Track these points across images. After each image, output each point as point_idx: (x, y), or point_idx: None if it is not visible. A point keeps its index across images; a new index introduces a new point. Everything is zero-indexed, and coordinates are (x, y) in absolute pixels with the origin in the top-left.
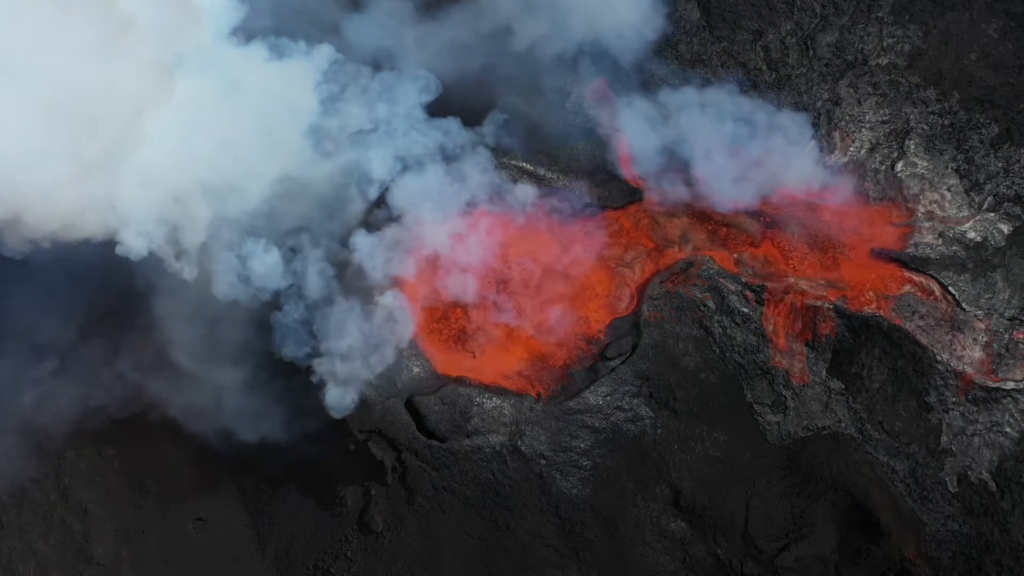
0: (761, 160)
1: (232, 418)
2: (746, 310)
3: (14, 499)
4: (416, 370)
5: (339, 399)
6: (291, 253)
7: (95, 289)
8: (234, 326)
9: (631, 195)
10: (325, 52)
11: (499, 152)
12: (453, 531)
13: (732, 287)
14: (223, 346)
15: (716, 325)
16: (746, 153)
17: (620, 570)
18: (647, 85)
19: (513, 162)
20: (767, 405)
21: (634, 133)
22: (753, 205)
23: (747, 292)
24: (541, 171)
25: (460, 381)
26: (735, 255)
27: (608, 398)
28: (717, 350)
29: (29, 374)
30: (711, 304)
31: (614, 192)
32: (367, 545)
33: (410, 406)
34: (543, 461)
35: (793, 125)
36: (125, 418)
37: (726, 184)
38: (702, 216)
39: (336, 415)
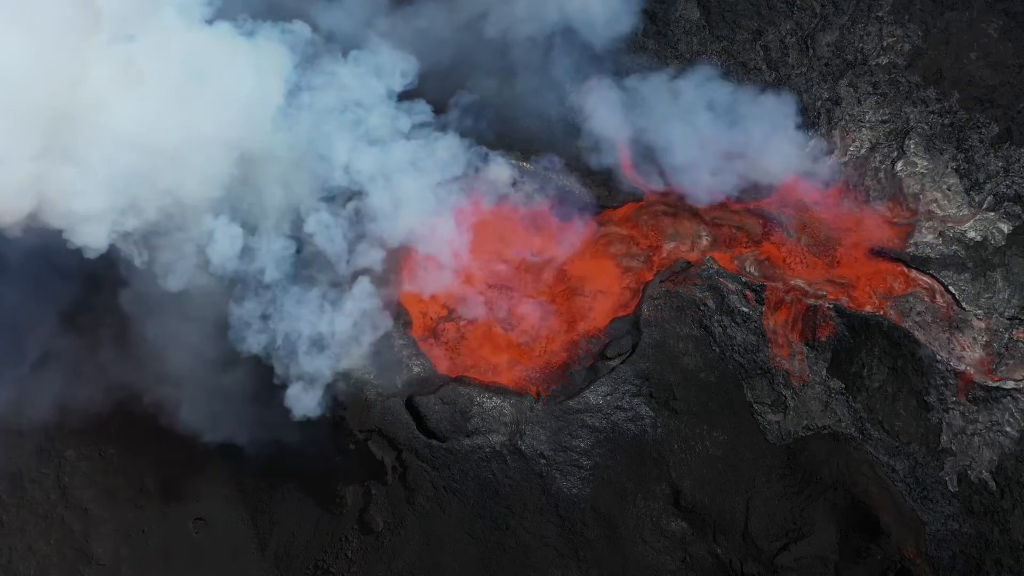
0: (741, 148)
1: (229, 417)
2: (746, 310)
3: (14, 499)
4: (416, 370)
5: (299, 397)
6: (251, 234)
7: (80, 281)
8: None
9: (630, 194)
10: (298, 30)
11: (492, 144)
12: (453, 531)
13: (732, 287)
14: (215, 342)
15: (716, 324)
16: (724, 141)
17: (620, 569)
18: (623, 72)
19: (513, 161)
20: (767, 404)
21: (610, 122)
22: (732, 195)
23: (747, 292)
24: (531, 166)
25: (460, 381)
26: (735, 255)
27: (608, 397)
28: (717, 349)
29: (9, 370)
30: (711, 304)
31: (612, 190)
32: (367, 545)
33: (410, 406)
34: (543, 461)
35: (776, 110)
36: (124, 418)
37: (703, 175)
38: (703, 215)
39: (298, 415)
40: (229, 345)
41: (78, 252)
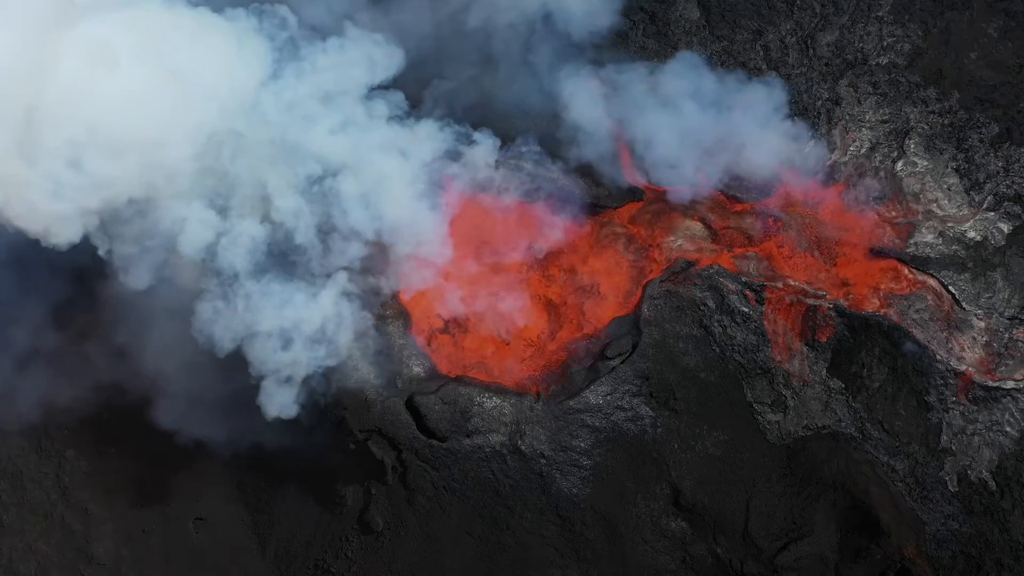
0: (724, 140)
1: (229, 416)
2: (746, 309)
3: (14, 499)
4: (416, 369)
5: (272, 396)
6: (223, 221)
7: (76, 277)
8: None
9: (630, 194)
10: (281, 13)
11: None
12: (453, 530)
13: (732, 286)
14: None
15: (716, 324)
16: (708, 132)
17: (620, 569)
18: (609, 64)
19: (514, 160)
20: (767, 404)
21: (599, 116)
22: (724, 191)
23: (747, 292)
24: (522, 161)
25: (460, 380)
26: (735, 255)
27: (608, 397)
28: (717, 349)
29: (6, 368)
30: (711, 303)
31: (613, 191)
32: (367, 544)
33: (410, 405)
34: (543, 460)
35: (763, 99)
36: (125, 417)
37: (687, 168)
38: (704, 215)
39: (271, 415)
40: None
41: (71, 247)
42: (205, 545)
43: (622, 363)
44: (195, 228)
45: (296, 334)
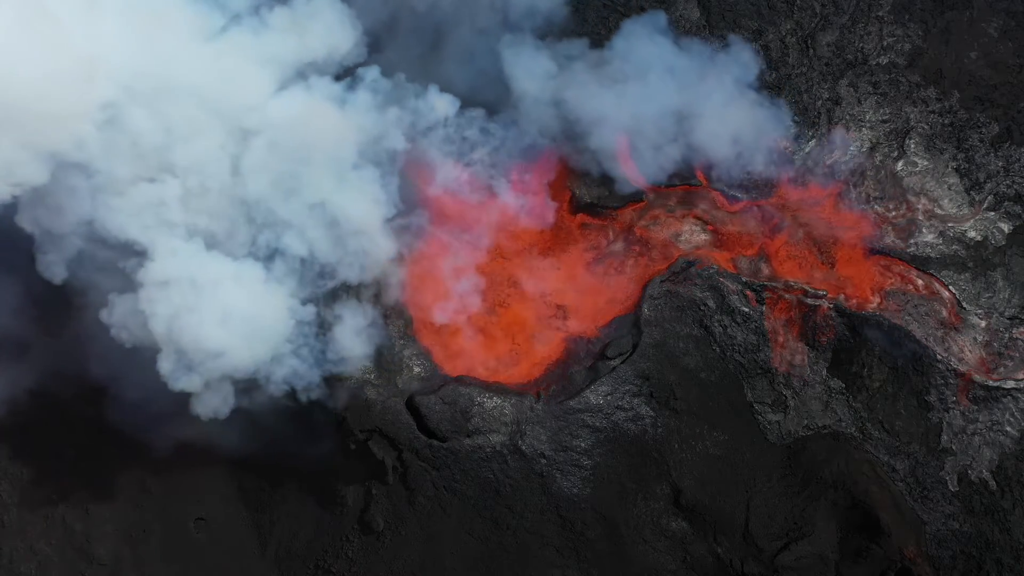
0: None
1: (228, 416)
2: (746, 309)
3: (14, 498)
4: (417, 369)
5: (203, 395)
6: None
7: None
8: None
9: (630, 195)
10: None
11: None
12: (454, 530)
13: (732, 286)
14: None
15: (716, 324)
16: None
17: (621, 569)
18: (545, 36)
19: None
20: (767, 404)
21: (530, 89)
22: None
23: (747, 291)
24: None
25: (460, 380)
26: (735, 255)
27: (609, 397)
28: (717, 349)
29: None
30: (711, 303)
31: (613, 192)
32: (368, 544)
33: (411, 405)
34: (544, 460)
35: (732, 71)
36: (124, 417)
37: (645, 155)
38: (704, 215)
39: (204, 416)
40: None
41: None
42: (205, 545)
43: (622, 363)
44: (118, 204)
45: (227, 324)
